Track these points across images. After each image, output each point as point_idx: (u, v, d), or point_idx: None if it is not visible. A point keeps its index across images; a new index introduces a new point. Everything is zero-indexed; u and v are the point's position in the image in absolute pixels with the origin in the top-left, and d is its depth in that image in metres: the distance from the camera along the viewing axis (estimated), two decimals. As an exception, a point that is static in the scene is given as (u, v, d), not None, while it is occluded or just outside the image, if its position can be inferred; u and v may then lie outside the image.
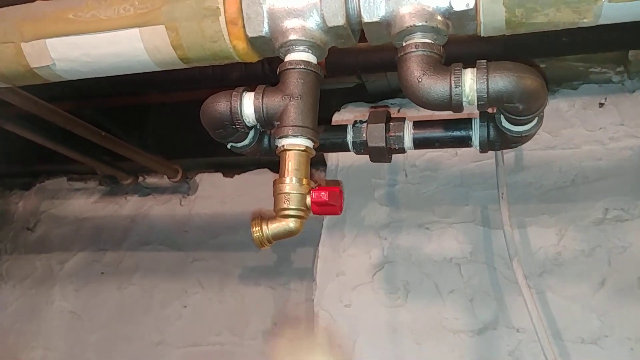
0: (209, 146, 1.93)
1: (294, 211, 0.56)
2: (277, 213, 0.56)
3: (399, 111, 1.24)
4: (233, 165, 1.87)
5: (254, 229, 0.56)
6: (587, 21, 0.53)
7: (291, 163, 0.57)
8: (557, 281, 1.05)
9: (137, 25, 0.62)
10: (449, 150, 1.19)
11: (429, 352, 1.08)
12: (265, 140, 0.70)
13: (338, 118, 1.28)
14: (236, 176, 1.84)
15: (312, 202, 0.55)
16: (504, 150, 1.12)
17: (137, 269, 1.81)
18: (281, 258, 1.76)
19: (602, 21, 0.53)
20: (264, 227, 0.56)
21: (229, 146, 0.68)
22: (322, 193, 0.54)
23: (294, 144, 0.57)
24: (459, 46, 0.96)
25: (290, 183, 0.56)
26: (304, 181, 0.57)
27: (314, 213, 0.57)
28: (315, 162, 1.77)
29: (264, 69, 1.16)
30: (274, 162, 1.81)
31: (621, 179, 1.07)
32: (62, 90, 1.37)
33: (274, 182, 0.57)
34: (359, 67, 1.13)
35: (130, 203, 1.90)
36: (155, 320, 1.77)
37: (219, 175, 1.86)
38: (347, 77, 1.28)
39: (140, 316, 1.78)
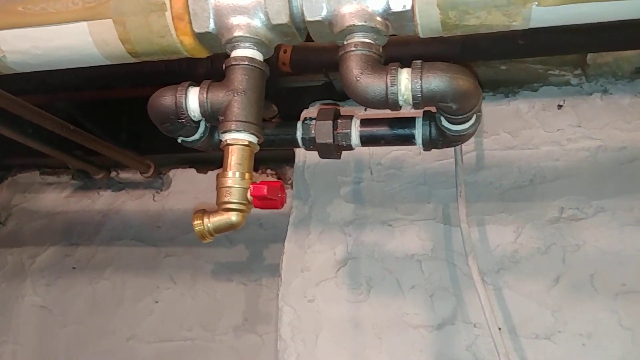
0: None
1: (236, 205, 0.57)
2: (219, 206, 0.58)
3: (365, 110, 1.26)
4: (207, 161, 1.87)
5: (196, 222, 0.57)
6: (518, 24, 0.55)
7: (234, 157, 0.58)
8: (514, 278, 1.07)
9: (85, 18, 0.62)
10: (413, 149, 1.21)
11: (389, 346, 1.10)
12: (216, 135, 0.71)
13: (306, 116, 1.29)
14: (209, 172, 1.85)
15: (252, 195, 0.56)
16: (464, 150, 1.14)
17: (109, 264, 1.81)
18: (253, 254, 1.78)
19: (533, 24, 0.55)
20: (206, 220, 0.57)
21: (179, 140, 0.69)
22: (262, 187, 0.56)
23: (237, 139, 0.58)
24: (418, 47, 0.98)
25: (233, 177, 0.57)
26: (247, 175, 0.58)
27: (255, 207, 0.58)
28: (287, 159, 1.78)
29: (231, 65, 1.17)
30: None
31: (577, 179, 1.09)
32: (33, 84, 1.38)
33: (217, 176, 0.59)
34: (323, 65, 1.15)
35: (103, 198, 1.90)
36: (127, 315, 1.77)
37: (193, 171, 1.86)
38: (314, 75, 1.29)
39: (111, 311, 1.78)
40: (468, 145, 1.18)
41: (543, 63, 1.11)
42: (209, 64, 1.18)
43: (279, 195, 0.57)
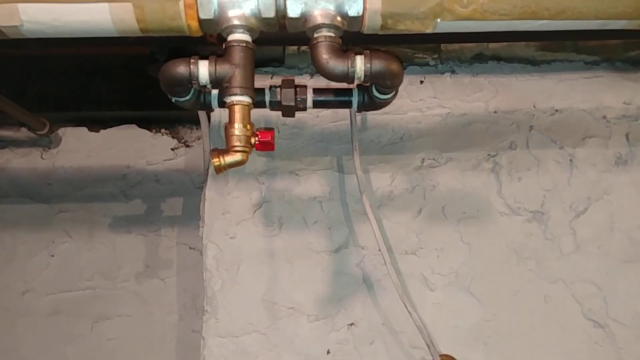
0: (72, 101, 1.94)
1: (242, 147, 0.79)
2: (230, 149, 0.79)
3: (271, 78, 1.50)
4: (98, 120, 1.92)
5: (214, 160, 0.78)
6: (429, 30, 0.85)
7: (239, 114, 0.79)
8: (390, 211, 1.43)
9: (108, 0, 0.77)
10: (313, 112, 1.49)
11: (298, 269, 1.39)
12: (201, 97, 0.90)
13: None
14: (102, 131, 1.90)
15: (260, 141, 0.79)
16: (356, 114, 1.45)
17: (-4, 222, 1.79)
18: (151, 208, 1.90)
19: (437, 31, 0.86)
20: (221, 158, 0.78)
21: (173, 100, 0.87)
22: (268, 134, 0.79)
23: (241, 100, 0.80)
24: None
25: (239, 127, 0.79)
26: (248, 126, 0.80)
27: (256, 149, 0.81)
28: (180, 119, 1.92)
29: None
30: (141, 118, 1.92)
31: (433, 137, 1.48)
32: None
33: (226, 126, 0.80)
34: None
35: (-17, 156, 1.84)
36: (20, 270, 1.79)
37: (84, 129, 1.90)
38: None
39: (2, 268, 1.78)
40: (355, 110, 1.49)
41: (411, 48, 1.47)
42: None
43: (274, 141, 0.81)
